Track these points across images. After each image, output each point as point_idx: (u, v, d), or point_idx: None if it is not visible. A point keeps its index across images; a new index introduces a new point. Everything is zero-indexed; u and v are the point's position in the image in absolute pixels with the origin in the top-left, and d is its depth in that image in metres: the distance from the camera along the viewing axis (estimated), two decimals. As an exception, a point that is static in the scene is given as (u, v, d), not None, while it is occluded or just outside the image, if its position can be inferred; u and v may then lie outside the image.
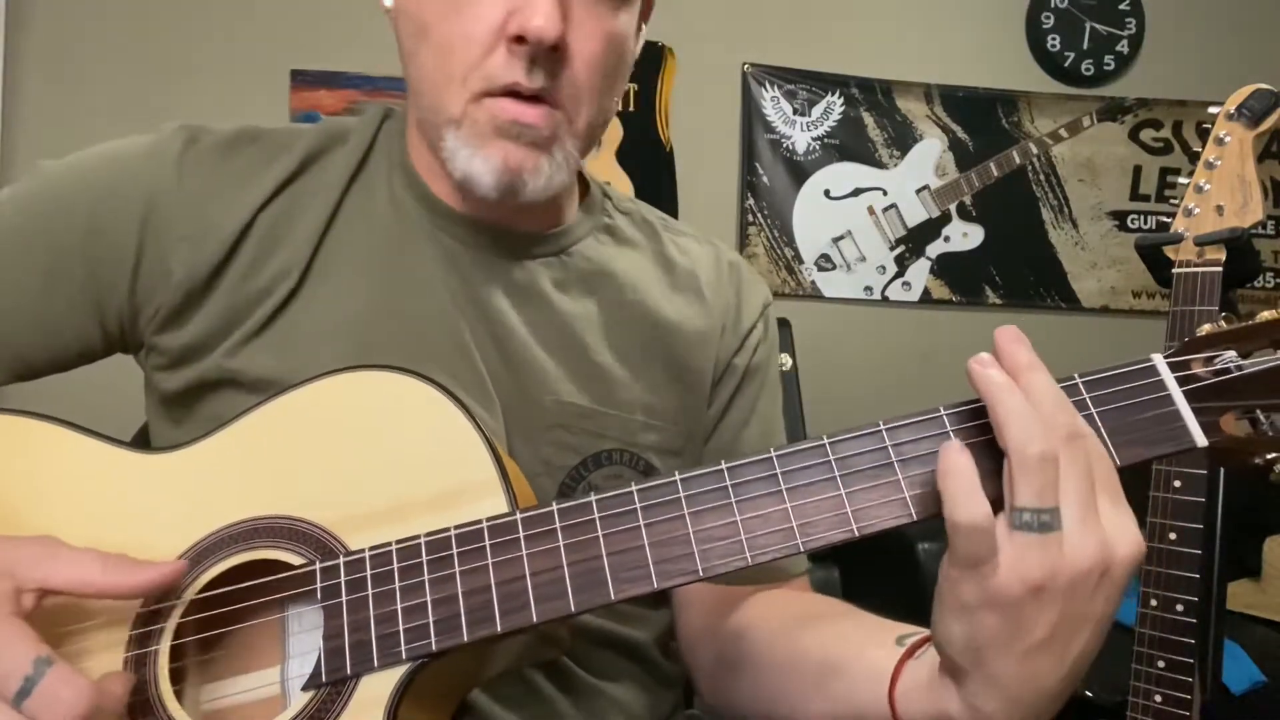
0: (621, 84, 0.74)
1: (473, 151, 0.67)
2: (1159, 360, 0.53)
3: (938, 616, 0.52)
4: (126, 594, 0.54)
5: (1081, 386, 0.53)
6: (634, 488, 0.54)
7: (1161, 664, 1.10)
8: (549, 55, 0.65)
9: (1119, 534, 0.48)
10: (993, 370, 0.50)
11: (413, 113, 0.75)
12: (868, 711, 0.59)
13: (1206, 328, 0.54)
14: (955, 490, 0.48)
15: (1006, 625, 0.48)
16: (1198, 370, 0.53)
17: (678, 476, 0.54)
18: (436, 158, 0.71)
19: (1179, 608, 1.09)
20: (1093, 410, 0.52)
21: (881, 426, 0.53)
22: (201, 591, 0.57)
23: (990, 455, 0.50)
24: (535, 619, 0.52)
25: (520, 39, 0.64)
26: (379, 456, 0.59)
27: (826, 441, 0.54)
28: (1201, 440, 0.51)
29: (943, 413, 0.53)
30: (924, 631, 0.60)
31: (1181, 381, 0.52)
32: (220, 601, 0.57)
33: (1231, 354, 0.53)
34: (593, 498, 0.55)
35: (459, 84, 0.67)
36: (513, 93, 0.66)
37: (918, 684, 0.56)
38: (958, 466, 0.49)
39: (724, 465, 0.54)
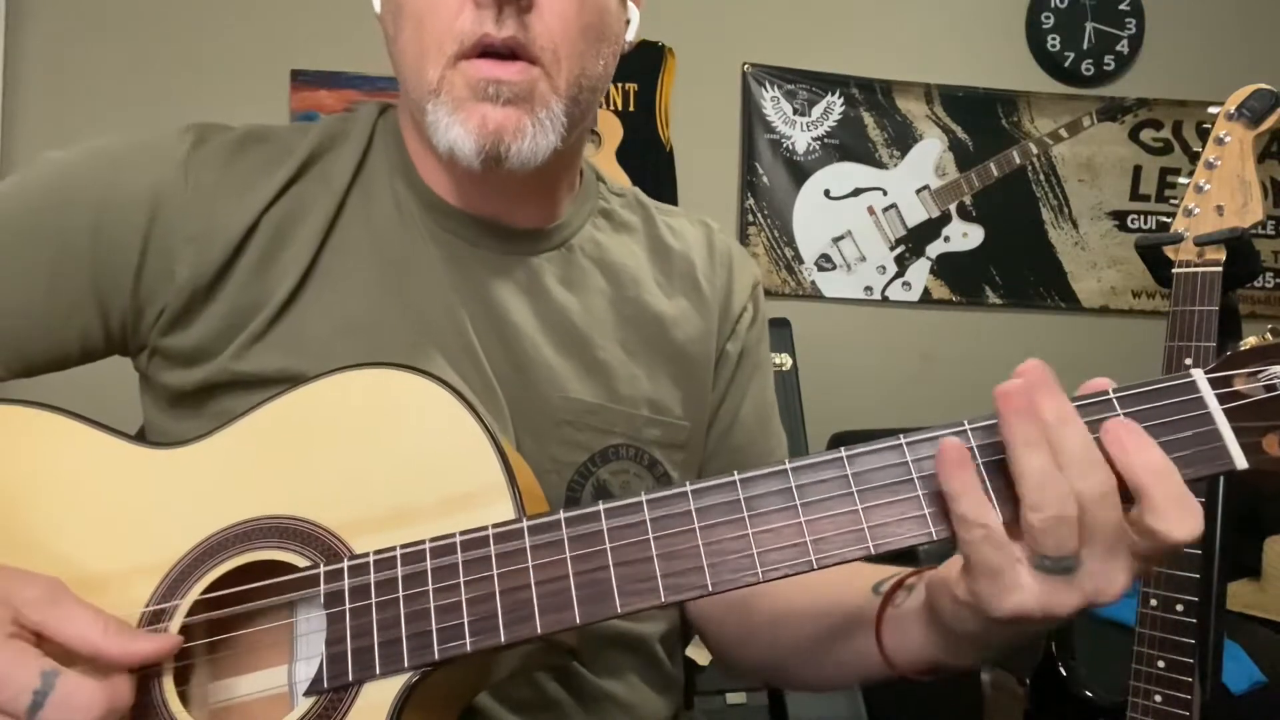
0: (605, 46, 0.71)
1: (452, 119, 0.66)
2: (1199, 375, 0.50)
3: (952, 611, 0.53)
4: (124, 662, 0.52)
5: (1116, 402, 0.50)
6: (643, 497, 0.53)
7: (1161, 664, 1.10)
8: (514, 1, 0.64)
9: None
10: (1017, 422, 0.48)
11: (404, 105, 0.75)
12: (864, 663, 0.63)
13: (1250, 341, 0.52)
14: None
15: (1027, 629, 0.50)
16: (1240, 387, 0.50)
17: (688, 487, 0.53)
18: (427, 144, 0.71)
19: (1179, 608, 1.09)
20: None
21: (902, 440, 0.52)
22: (206, 592, 0.56)
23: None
24: (540, 630, 0.52)
25: None
26: (386, 457, 0.58)
27: (844, 455, 0.52)
28: (1242, 463, 0.49)
29: (967, 427, 0.51)
30: (893, 576, 0.63)
31: (1223, 399, 0.50)
32: (224, 603, 0.57)
33: (1276, 369, 0.50)
34: (600, 506, 0.54)
35: (435, 52, 0.66)
36: (487, 52, 0.65)
37: (907, 638, 0.60)
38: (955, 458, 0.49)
39: (736, 477, 0.53)
